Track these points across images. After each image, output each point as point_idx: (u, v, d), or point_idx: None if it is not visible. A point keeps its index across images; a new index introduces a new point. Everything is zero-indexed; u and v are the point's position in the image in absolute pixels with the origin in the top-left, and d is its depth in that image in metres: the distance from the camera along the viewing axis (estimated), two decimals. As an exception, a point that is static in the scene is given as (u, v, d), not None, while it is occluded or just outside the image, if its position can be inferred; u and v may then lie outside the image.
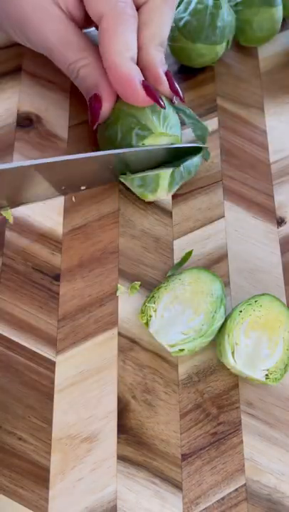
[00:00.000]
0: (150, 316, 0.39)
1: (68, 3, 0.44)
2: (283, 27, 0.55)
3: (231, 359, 0.38)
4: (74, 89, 0.51)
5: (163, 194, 0.45)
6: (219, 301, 0.39)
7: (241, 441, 0.39)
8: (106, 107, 0.44)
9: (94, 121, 0.44)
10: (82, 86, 0.45)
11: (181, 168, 0.44)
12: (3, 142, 0.48)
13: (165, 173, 0.43)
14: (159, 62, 0.43)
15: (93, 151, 0.45)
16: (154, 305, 0.39)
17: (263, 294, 0.40)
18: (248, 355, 0.38)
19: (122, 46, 0.41)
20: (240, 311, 0.39)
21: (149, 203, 0.46)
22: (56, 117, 0.49)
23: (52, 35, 0.44)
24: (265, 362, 0.38)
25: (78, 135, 0.49)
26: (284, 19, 0.55)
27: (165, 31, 0.44)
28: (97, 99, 0.43)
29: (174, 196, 0.47)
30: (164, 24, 0.43)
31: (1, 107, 0.49)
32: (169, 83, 0.43)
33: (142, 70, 0.42)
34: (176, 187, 0.45)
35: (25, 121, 0.49)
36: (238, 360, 0.38)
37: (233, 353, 0.38)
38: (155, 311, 0.39)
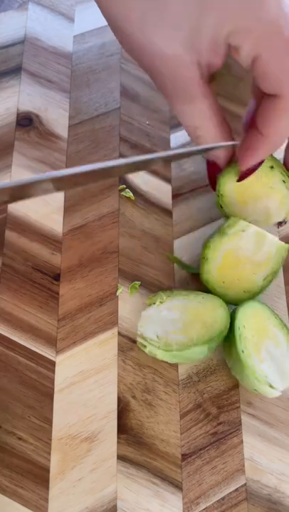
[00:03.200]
0: (154, 303, 0.40)
1: (212, 61, 0.33)
2: (283, 26, 0.55)
3: (275, 391, 0.37)
4: (74, 88, 0.51)
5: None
6: (214, 344, 0.38)
7: (241, 441, 0.39)
8: (222, 167, 0.41)
9: (212, 185, 0.42)
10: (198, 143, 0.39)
11: None
12: (3, 141, 0.48)
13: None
14: None
15: (95, 149, 0.45)
16: (163, 298, 0.39)
17: (239, 308, 0.39)
18: (276, 372, 0.37)
19: (286, 130, 0.36)
20: (243, 351, 0.37)
21: (149, 202, 0.46)
22: (56, 117, 0.49)
23: (179, 94, 0.35)
24: (286, 363, 0.38)
25: (78, 135, 0.49)
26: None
27: None
28: (214, 167, 0.41)
29: (174, 196, 0.47)
30: None
31: (1, 107, 0.49)
32: None
33: None
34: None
35: (25, 121, 0.49)
36: (278, 385, 0.37)
37: (270, 385, 0.37)
38: (161, 302, 0.39)
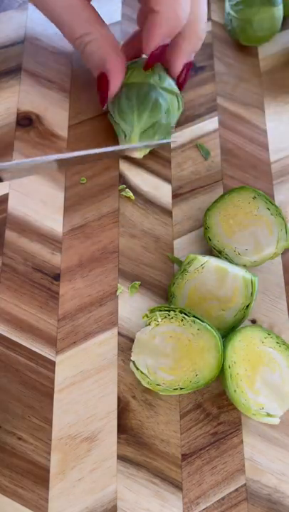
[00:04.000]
0: (149, 324, 0.38)
1: None
2: (283, 26, 0.55)
3: (274, 419, 0.37)
4: (74, 88, 0.51)
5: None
6: (202, 386, 0.37)
7: (241, 441, 0.39)
8: (115, 85, 0.43)
9: (103, 101, 0.44)
10: (88, 61, 0.44)
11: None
12: (3, 141, 0.48)
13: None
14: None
15: (93, 148, 0.45)
16: (157, 321, 0.38)
17: (228, 343, 0.38)
18: (274, 398, 0.37)
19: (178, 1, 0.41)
20: (235, 390, 0.36)
21: (149, 202, 0.46)
22: (56, 117, 0.49)
23: (60, 6, 0.42)
24: (286, 384, 0.37)
25: (78, 134, 0.49)
26: (284, 18, 0.55)
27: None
28: (104, 79, 0.43)
29: (174, 196, 0.47)
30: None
31: (1, 107, 0.49)
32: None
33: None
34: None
35: (25, 121, 0.49)
36: (276, 412, 0.37)
37: (269, 415, 0.37)
38: (156, 325, 0.38)
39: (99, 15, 0.43)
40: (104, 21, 0.43)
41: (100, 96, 0.44)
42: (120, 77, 0.43)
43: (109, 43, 0.43)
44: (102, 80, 0.43)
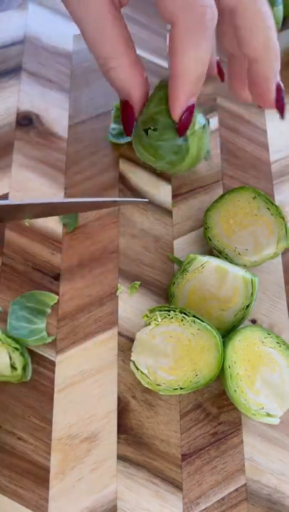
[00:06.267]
0: (149, 324, 0.38)
1: None
2: (283, 26, 0.55)
3: (274, 419, 0.37)
4: (74, 88, 0.51)
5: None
6: (202, 386, 0.37)
7: (241, 441, 0.39)
8: (137, 111, 0.41)
9: (128, 130, 0.42)
10: (111, 83, 0.41)
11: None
12: (3, 141, 0.48)
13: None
14: (275, 73, 0.38)
15: (95, 149, 0.45)
16: (157, 321, 0.38)
17: (228, 343, 0.37)
18: (274, 398, 0.37)
19: (193, 61, 0.36)
20: (235, 390, 0.37)
21: (150, 202, 0.46)
22: (56, 117, 0.49)
23: (90, 17, 0.37)
24: (286, 384, 0.37)
25: (78, 134, 0.49)
26: (284, 18, 0.55)
27: (274, 32, 0.37)
28: (128, 106, 0.41)
29: (174, 196, 0.47)
30: (268, 27, 0.37)
31: (1, 107, 0.49)
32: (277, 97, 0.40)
33: (250, 82, 0.39)
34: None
35: (25, 121, 0.49)
36: (276, 412, 0.37)
37: (269, 415, 0.37)
38: (156, 325, 0.38)
39: (129, 34, 0.39)
40: (133, 42, 0.39)
41: (124, 123, 0.42)
42: (143, 102, 0.41)
43: (133, 72, 0.39)
44: (127, 108, 0.41)
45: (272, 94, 0.39)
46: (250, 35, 0.36)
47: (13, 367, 0.38)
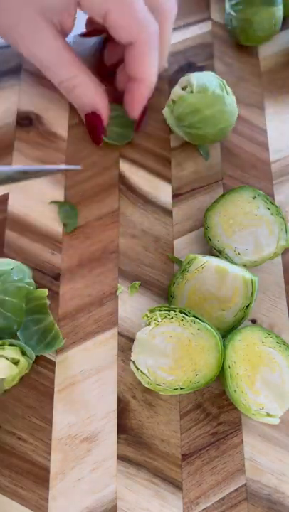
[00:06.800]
0: (149, 324, 0.38)
1: (63, 16, 0.43)
2: (283, 26, 0.55)
3: (274, 419, 0.37)
4: (74, 88, 0.51)
5: None
6: (202, 386, 0.37)
7: (241, 441, 0.39)
8: (106, 119, 0.46)
9: (98, 139, 0.47)
10: (76, 103, 0.46)
11: None
12: (3, 141, 0.48)
13: None
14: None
15: (95, 149, 0.45)
16: (157, 321, 0.38)
17: (228, 343, 0.37)
18: (274, 398, 0.37)
19: (153, 67, 0.44)
20: (235, 390, 0.37)
21: (150, 202, 0.46)
22: (56, 117, 0.49)
23: (43, 52, 0.43)
24: (286, 384, 0.37)
25: (78, 134, 0.49)
26: (284, 19, 0.55)
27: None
28: (97, 117, 0.46)
29: (174, 196, 0.47)
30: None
31: (1, 107, 0.49)
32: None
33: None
34: None
35: (25, 121, 0.49)
36: (276, 412, 0.37)
37: (269, 415, 0.37)
38: (156, 325, 0.38)
39: (76, 53, 0.45)
40: (80, 59, 0.45)
41: (95, 133, 0.46)
42: (107, 111, 0.46)
43: (94, 83, 0.45)
44: (95, 118, 0.46)
45: (139, 110, 0.47)
46: (141, 61, 0.44)
47: (13, 362, 0.37)
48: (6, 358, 0.37)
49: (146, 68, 0.44)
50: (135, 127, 0.47)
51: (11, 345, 0.37)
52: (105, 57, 0.51)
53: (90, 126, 0.46)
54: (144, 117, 0.47)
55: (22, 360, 0.37)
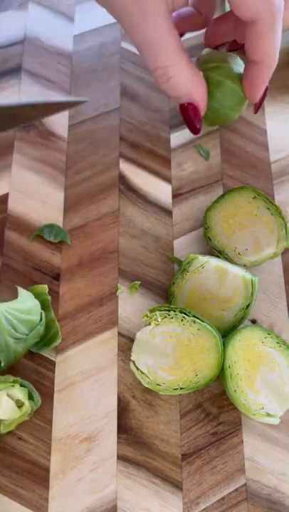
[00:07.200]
0: (149, 324, 0.38)
1: None
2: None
3: (274, 419, 0.37)
4: (74, 88, 0.51)
5: None
6: (202, 386, 0.37)
7: (241, 441, 0.39)
8: (203, 110, 0.43)
9: (195, 129, 0.43)
10: (170, 92, 0.41)
11: None
12: (3, 142, 0.48)
13: None
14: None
15: (95, 149, 0.45)
16: (157, 321, 0.38)
17: (228, 343, 0.37)
18: (274, 398, 0.37)
19: (277, 48, 0.40)
20: (235, 390, 0.37)
21: (149, 202, 0.46)
22: (56, 116, 0.49)
23: (149, 32, 0.38)
24: (286, 384, 0.37)
25: (78, 135, 0.49)
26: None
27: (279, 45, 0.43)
28: (194, 109, 0.42)
29: (174, 196, 0.47)
30: (279, 40, 0.42)
31: (0, 107, 0.49)
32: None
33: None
34: None
35: (25, 121, 0.49)
36: (276, 412, 0.37)
37: (269, 415, 0.37)
38: (156, 325, 0.38)
39: (181, 41, 0.40)
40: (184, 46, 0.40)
41: (192, 124, 0.43)
42: (205, 99, 0.42)
43: (192, 71, 0.40)
44: (191, 109, 0.42)
45: (260, 94, 0.43)
46: (263, 41, 0.39)
47: (18, 404, 0.36)
48: (12, 399, 0.36)
49: (270, 48, 0.39)
50: (254, 110, 0.45)
51: (21, 385, 0.37)
52: (206, 39, 0.47)
53: (185, 117, 0.42)
54: (264, 99, 0.44)
55: (26, 404, 0.36)
